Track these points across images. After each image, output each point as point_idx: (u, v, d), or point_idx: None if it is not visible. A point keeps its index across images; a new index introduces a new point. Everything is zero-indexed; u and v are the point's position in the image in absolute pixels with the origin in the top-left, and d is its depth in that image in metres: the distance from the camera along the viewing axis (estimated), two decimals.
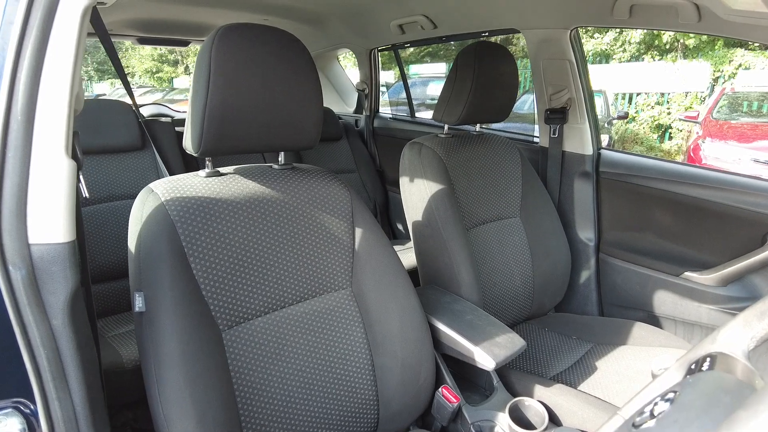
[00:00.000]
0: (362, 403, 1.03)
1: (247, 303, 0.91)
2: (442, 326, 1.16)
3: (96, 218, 1.69)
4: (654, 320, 1.61)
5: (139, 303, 0.79)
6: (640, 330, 1.46)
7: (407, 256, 1.86)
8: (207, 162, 0.96)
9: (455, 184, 1.44)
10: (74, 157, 0.67)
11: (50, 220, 0.63)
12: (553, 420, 1.15)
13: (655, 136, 8.69)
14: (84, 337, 0.68)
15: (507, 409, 1.07)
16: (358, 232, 1.07)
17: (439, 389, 1.12)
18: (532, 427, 1.05)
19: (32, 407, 0.66)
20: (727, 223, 1.42)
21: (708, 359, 0.57)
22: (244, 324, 0.91)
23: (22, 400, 0.66)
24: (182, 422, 0.74)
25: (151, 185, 0.90)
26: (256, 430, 0.88)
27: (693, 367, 0.58)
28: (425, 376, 1.08)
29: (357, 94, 3.07)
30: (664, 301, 1.56)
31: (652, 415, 0.46)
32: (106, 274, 1.62)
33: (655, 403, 0.48)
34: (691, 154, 5.38)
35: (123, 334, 1.35)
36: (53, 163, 0.63)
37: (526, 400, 1.09)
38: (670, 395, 0.48)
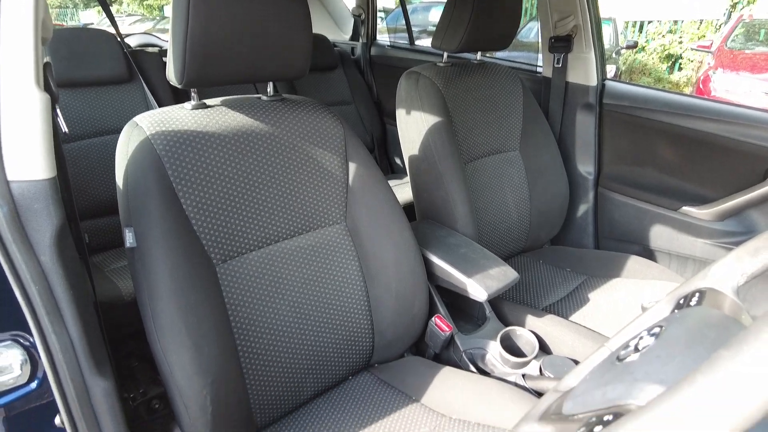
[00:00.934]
0: (357, 333, 1.06)
1: (240, 237, 0.91)
2: (436, 259, 1.17)
3: (87, 153, 1.66)
4: (649, 254, 1.62)
5: (129, 239, 0.78)
6: (635, 263, 1.47)
7: (404, 190, 1.85)
8: (192, 93, 0.92)
9: (453, 116, 1.40)
10: (48, 89, 0.64)
11: (27, 157, 0.61)
12: (544, 348, 1.19)
13: (665, 66, 8.38)
14: (74, 273, 0.68)
15: (498, 338, 1.10)
16: (352, 166, 1.05)
17: (433, 319, 1.15)
18: (523, 355, 1.09)
19: (31, 340, 0.68)
20: (730, 158, 1.39)
21: (697, 294, 0.57)
22: (238, 258, 0.91)
23: (21, 333, 0.67)
24: (178, 352, 0.76)
25: (136, 119, 0.87)
26: (254, 360, 0.90)
27: (681, 302, 0.58)
28: (419, 306, 1.11)
29: (353, 20, 2.91)
30: (660, 236, 1.57)
31: (636, 349, 0.47)
32: (101, 209, 1.62)
33: (641, 338, 0.48)
34: (700, 86, 5.21)
35: (121, 268, 1.37)
36: (24, 96, 0.60)
37: (518, 329, 1.13)
38: (656, 330, 0.48)
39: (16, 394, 0.69)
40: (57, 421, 0.71)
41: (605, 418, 0.40)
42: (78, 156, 1.63)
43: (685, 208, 1.48)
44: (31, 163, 0.61)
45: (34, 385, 0.70)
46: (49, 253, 0.63)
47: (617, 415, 0.38)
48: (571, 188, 1.68)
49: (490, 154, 1.50)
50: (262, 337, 0.92)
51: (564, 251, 1.64)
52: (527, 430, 0.52)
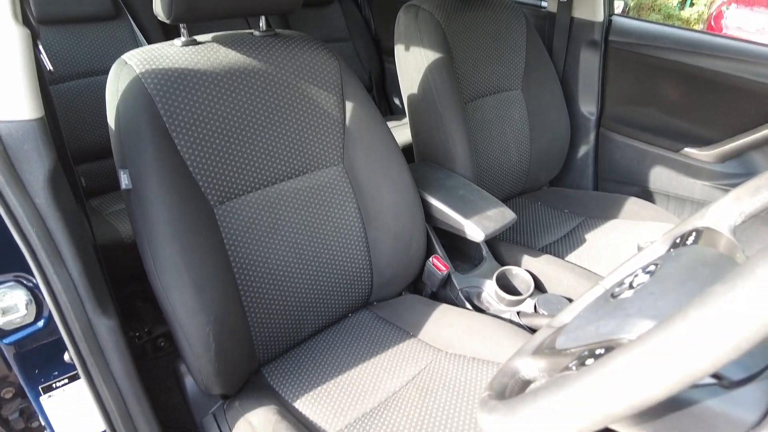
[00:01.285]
0: (356, 273, 1.07)
1: (237, 178, 0.90)
2: (434, 201, 1.17)
3: (76, 95, 1.61)
4: (647, 195, 1.62)
5: (124, 180, 0.78)
6: (632, 205, 1.47)
7: (403, 132, 1.81)
8: (182, 30, 0.88)
9: (454, 52, 1.35)
10: (27, 24, 0.60)
11: (12, 96, 0.59)
12: (539, 288, 1.21)
13: (675, 2, 8.02)
14: (71, 215, 0.68)
15: (494, 277, 1.12)
16: (349, 105, 1.03)
17: (430, 258, 1.17)
18: (518, 294, 1.11)
19: (34, 281, 0.69)
20: (736, 97, 1.36)
21: (694, 234, 0.57)
22: (236, 200, 0.91)
23: (23, 274, 0.68)
24: (180, 292, 0.77)
25: (124, 57, 0.84)
26: (254, 299, 0.92)
27: (678, 241, 0.58)
28: (416, 247, 1.12)
29: None
30: (659, 177, 1.56)
31: (630, 286, 0.47)
32: (96, 152, 1.60)
33: (636, 275, 0.49)
34: (712, 23, 5.00)
35: (119, 211, 1.37)
36: (1, 31, 0.57)
37: (513, 269, 1.14)
38: (651, 268, 0.48)
39: (24, 333, 0.71)
40: (66, 357, 0.73)
41: (597, 352, 0.41)
42: (67, 98, 1.59)
43: (687, 150, 1.47)
44: (17, 103, 0.59)
45: (41, 324, 0.72)
46: (44, 195, 0.63)
47: (609, 349, 0.39)
48: (573, 129, 1.66)
49: (491, 93, 1.46)
50: (262, 277, 0.93)
51: (562, 193, 1.64)
52: (520, 364, 0.54)
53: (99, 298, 0.71)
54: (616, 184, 1.69)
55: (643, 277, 0.47)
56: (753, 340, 0.26)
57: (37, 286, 0.68)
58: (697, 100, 1.45)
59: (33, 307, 0.70)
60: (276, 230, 0.95)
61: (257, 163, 0.93)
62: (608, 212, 1.45)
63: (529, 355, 0.54)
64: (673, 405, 0.38)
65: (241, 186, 0.91)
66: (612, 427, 0.44)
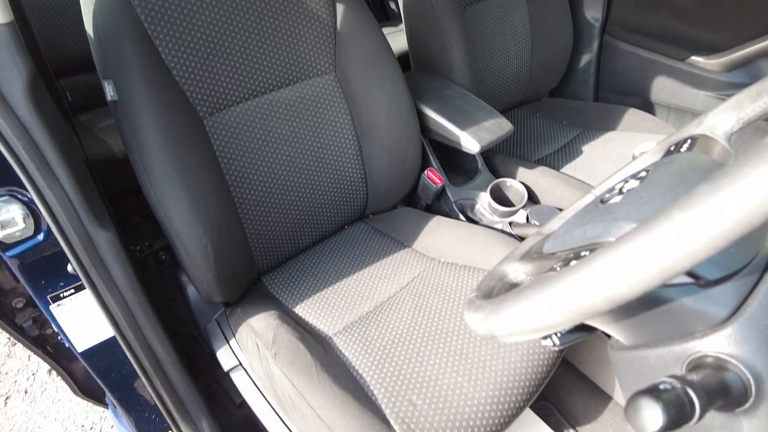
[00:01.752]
0: (351, 186, 1.08)
1: (225, 88, 0.87)
2: (430, 112, 1.14)
3: (52, 2, 1.51)
4: (648, 107, 1.58)
5: (110, 92, 0.75)
6: (632, 116, 1.45)
7: (399, 39, 1.73)
8: None
9: None
10: None
11: None
12: (533, 199, 1.22)
13: None
14: (57, 127, 0.66)
15: (489, 189, 1.13)
16: (340, 9, 0.97)
17: (425, 171, 1.17)
18: (512, 205, 1.13)
19: (28, 195, 0.69)
20: (748, 1, 1.28)
21: (689, 141, 0.57)
22: (226, 111, 0.89)
23: (16, 189, 0.68)
24: (175, 203, 0.78)
25: None
26: (250, 211, 0.93)
27: (672, 149, 0.58)
28: (412, 159, 1.11)
29: None
30: (662, 87, 1.52)
31: (620, 192, 0.48)
32: (80, 65, 1.52)
33: (626, 182, 0.49)
34: None
35: (110, 126, 1.34)
36: None
37: (508, 181, 1.15)
38: (642, 174, 0.48)
39: (25, 246, 0.72)
40: (69, 268, 0.75)
41: (582, 254, 0.43)
42: (41, 5, 1.49)
43: (693, 58, 1.41)
44: None
45: (41, 237, 0.73)
46: (25, 106, 0.61)
47: (593, 251, 0.40)
48: (575, 36, 1.58)
49: None
50: (256, 190, 0.93)
51: (562, 104, 1.60)
52: (508, 268, 0.55)
53: (95, 211, 0.71)
54: (617, 94, 1.64)
55: (633, 183, 0.47)
56: (730, 238, 0.27)
57: (32, 200, 0.69)
58: (708, 4, 1.37)
59: (31, 221, 0.71)
60: (268, 142, 0.94)
61: (246, 72, 0.90)
62: (607, 124, 1.43)
63: (517, 260, 0.56)
64: (650, 303, 0.40)
65: (230, 96, 0.89)
66: (591, 323, 0.46)
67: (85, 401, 1.44)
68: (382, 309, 0.93)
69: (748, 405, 0.37)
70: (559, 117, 1.50)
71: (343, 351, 0.85)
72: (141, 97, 0.75)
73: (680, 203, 0.28)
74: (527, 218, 1.10)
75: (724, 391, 0.36)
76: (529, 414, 1.11)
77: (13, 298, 0.87)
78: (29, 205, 0.70)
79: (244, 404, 0.98)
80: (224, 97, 0.88)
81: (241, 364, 0.91)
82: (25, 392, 1.49)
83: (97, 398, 1.10)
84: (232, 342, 0.93)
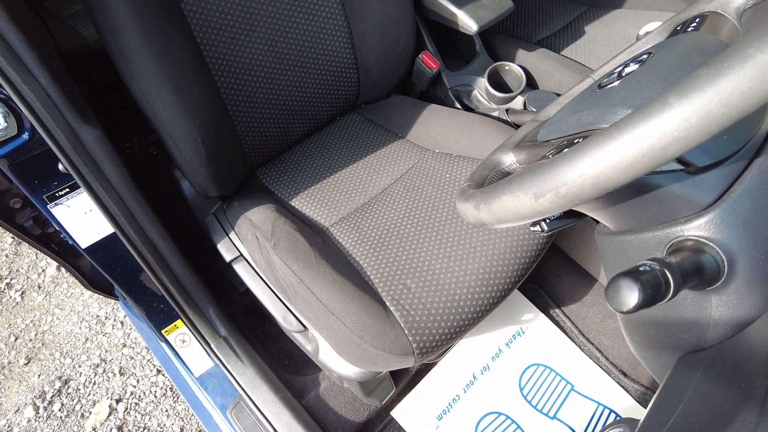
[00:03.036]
0: (342, 72, 1.03)
1: None
2: None
3: None
4: None
5: None
6: None
7: None
8: None
9: None
10: None
11: None
12: (531, 84, 1.18)
13: None
14: (22, 16, 0.61)
15: (486, 74, 1.08)
16: None
17: (420, 55, 1.11)
18: (509, 91, 1.09)
19: (5, 92, 0.65)
20: None
21: (697, 20, 0.53)
22: None
23: None
24: (160, 96, 0.74)
25: None
26: (238, 101, 0.90)
27: (679, 28, 0.55)
28: (405, 42, 1.05)
29: None
30: None
31: (619, 76, 0.46)
32: None
33: (626, 65, 0.47)
34: None
35: (80, 12, 1.24)
36: None
37: (506, 65, 1.10)
38: (644, 57, 0.46)
39: (12, 145, 0.70)
40: (60, 167, 0.75)
41: (576, 141, 0.42)
42: None
43: None
44: None
45: (25, 136, 0.71)
46: None
47: (587, 138, 0.39)
48: None
49: None
50: (243, 79, 0.89)
51: None
52: (501, 157, 0.55)
53: (77, 107, 0.69)
54: None
55: (633, 67, 0.45)
56: (725, 124, 0.26)
57: (9, 97, 0.66)
58: None
59: (13, 120, 0.68)
60: (251, 26, 0.88)
61: None
62: (614, 0, 1.33)
63: (510, 149, 0.55)
64: (639, 189, 0.40)
65: None
66: (580, 210, 0.47)
67: (97, 295, 1.52)
68: (378, 200, 0.94)
69: (718, 284, 0.39)
70: None
71: (340, 241, 0.88)
72: None
73: (676, 87, 0.27)
74: (524, 105, 1.08)
75: (698, 272, 0.37)
76: (517, 295, 1.18)
77: (9, 199, 0.87)
78: (8, 103, 0.67)
79: (247, 291, 1.03)
80: None
81: (242, 254, 0.94)
82: (39, 287, 1.56)
83: (107, 291, 1.16)
84: (232, 234, 0.95)
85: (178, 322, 1.01)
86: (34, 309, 1.50)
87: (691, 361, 0.42)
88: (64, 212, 0.80)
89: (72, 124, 0.69)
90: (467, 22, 1.01)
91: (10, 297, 1.52)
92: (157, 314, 0.99)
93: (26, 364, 1.39)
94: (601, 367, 1.08)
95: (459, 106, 1.15)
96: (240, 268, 0.93)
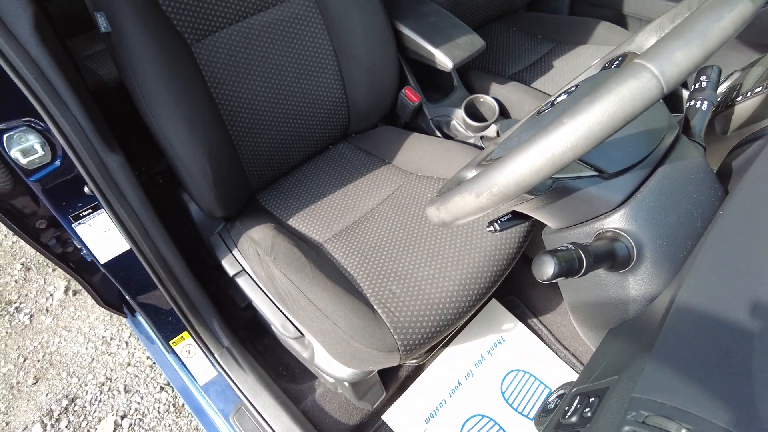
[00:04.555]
0: (334, 107, 1.15)
1: (207, 13, 0.92)
2: (405, 30, 1.19)
3: None
4: (620, 19, 1.62)
5: (102, 23, 0.80)
6: (603, 29, 1.49)
7: None
8: None
9: None
10: None
11: None
12: (504, 114, 1.31)
13: None
14: (62, 60, 0.73)
15: (463, 105, 1.21)
16: None
17: (403, 90, 1.24)
18: (484, 120, 1.22)
19: (42, 124, 0.76)
20: None
21: (620, 58, 0.65)
22: (210, 37, 0.94)
23: (31, 119, 0.75)
24: (174, 126, 0.85)
25: None
26: (241, 133, 1.01)
27: (606, 65, 0.67)
28: (389, 78, 1.18)
29: None
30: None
31: (552, 104, 0.57)
32: None
33: (560, 95, 0.58)
34: None
35: (96, 54, 1.36)
36: None
37: (481, 97, 1.23)
38: (572, 89, 0.58)
39: (45, 171, 0.81)
40: (86, 190, 0.85)
41: None
42: None
43: None
44: None
45: (57, 162, 0.81)
46: (34, 44, 0.67)
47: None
48: None
49: None
50: (245, 113, 1.01)
51: (538, 17, 1.63)
52: (466, 174, 0.66)
53: (104, 136, 0.79)
54: (592, 6, 1.67)
55: (563, 97, 0.57)
56: (600, 139, 0.37)
57: (46, 129, 0.77)
58: None
59: (48, 149, 0.79)
60: (253, 66, 1.00)
61: None
62: (579, 37, 1.48)
63: (474, 166, 0.66)
64: (566, 192, 0.51)
65: (213, 22, 0.93)
66: (523, 212, 0.58)
67: (103, 316, 1.60)
68: (366, 218, 1.04)
69: (630, 266, 0.49)
70: (534, 31, 1.54)
71: (333, 254, 0.98)
72: (132, 27, 0.80)
73: (569, 111, 0.38)
74: (497, 132, 1.20)
75: (611, 255, 0.48)
76: (497, 306, 1.28)
77: (35, 221, 0.97)
78: (45, 134, 0.78)
79: (248, 307, 1.12)
80: (207, 23, 0.92)
81: (244, 269, 1.04)
82: (47, 310, 1.63)
83: (116, 308, 1.24)
84: (235, 251, 1.05)
85: (185, 334, 1.09)
86: (42, 331, 1.57)
87: (615, 330, 0.52)
88: (87, 231, 0.89)
89: (99, 152, 0.79)
90: (443, 60, 1.14)
91: (19, 320, 1.60)
92: (166, 326, 1.07)
93: (34, 383, 1.46)
94: (575, 371, 1.17)
95: (439, 135, 1.27)
96: (242, 282, 1.03)
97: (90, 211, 0.89)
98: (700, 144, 0.58)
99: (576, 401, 0.44)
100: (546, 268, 0.42)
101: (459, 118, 1.24)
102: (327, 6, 1.05)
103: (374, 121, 1.26)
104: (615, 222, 0.50)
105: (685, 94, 1.23)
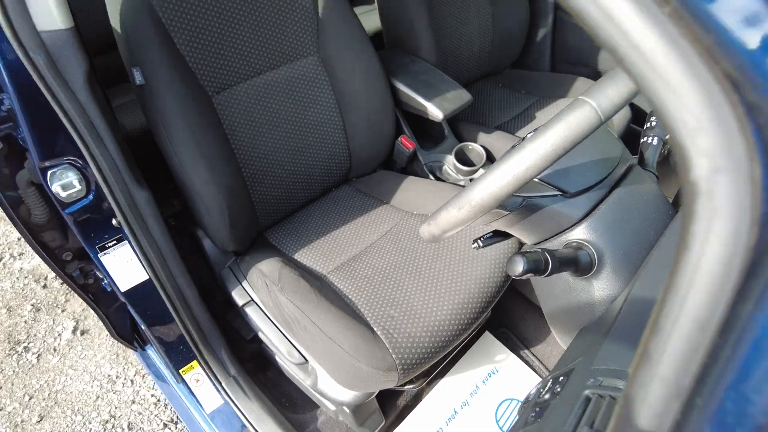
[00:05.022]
0: (337, 154, 1.27)
1: (227, 70, 1.05)
2: (401, 86, 1.33)
3: None
4: (597, 75, 1.78)
5: (138, 77, 0.93)
6: (582, 84, 1.65)
7: (371, 18, 1.89)
8: None
9: None
10: None
11: (46, 8, 0.72)
12: (491, 159, 1.43)
13: None
14: (105, 108, 0.84)
15: (453, 152, 1.33)
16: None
17: (399, 138, 1.36)
18: (473, 165, 1.33)
19: (81, 162, 0.87)
20: None
21: None
22: (229, 90, 1.07)
23: (73, 158, 0.86)
24: (195, 166, 0.96)
25: None
26: (253, 175, 1.12)
27: None
28: (387, 128, 1.30)
29: None
30: (607, 58, 1.72)
31: (522, 140, 0.68)
32: (91, 50, 1.67)
33: (529, 133, 0.69)
34: None
35: (122, 106, 1.50)
36: None
37: (470, 145, 1.35)
38: (529, 135, 0.69)
39: (80, 204, 0.90)
40: (114, 222, 0.94)
41: None
42: None
43: None
44: (53, 14, 0.72)
45: (90, 197, 0.91)
46: (84, 92, 0.79)
47: None
48: (532, 13, 1.76)
49: None
50: (257, 157, 1.12)
51: (521, 74, 1.80)
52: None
53: (135, 174, 0.90)
54: (571, 65, 1.84)
55: (531, 134, 0.67)
56: (548, 163, 0.47)
57: (84, 167, 0.87)
58: None
59: (84, 184, 0.89)
60: (266, 117, 1.12)
61: (242, 55, 1.07)
62: (559, 92, 1.63)
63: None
64: (536, 209, 0.61)
65: (231, 77, 1.06)
66: (503, 229, 0.67)
67: (110, 355, 1.64)
68: (366, 252, 1.13)
69: (593, 271, 0.58)
70: (518, 87, 1.69)
71: (336, 284, 1.06)
72: (163, 80, 0.93)
73: (529, 138, 0.49)
74: None
75: (574, 261, 0.57)
76: (490, 338, 1.34)
77: (62, 253, 1.06)
78: (82, 171, 0.88)
79: (253, 339, 1.19)
80: (226, 77, 1.05)
81: (252, 299, 1.11)
82: (54, 350, 1.68)
83: (128, 341, 1.30)
84: (244, 283, 1.13)
85: (194, 363, 1.15)
86: (48, 370, 1.61)
87: (585, 329, 0.61)
88: (111, 260, 0.98)
89: (130, 188, 0.89)
90: (434, 112, 1.27)
91: (27, 359, 1.64)
92: (177, 354, 1.13)
93: (39, 421, 1.48)
94: None
95: (432, 178, 1.38)
96: (251, 311, 1.10)
97: (115, 242, 0.98)
98: (653, 173, 0.69)
99: (549, 383, 0.52)
100: (517, 266, 0.51)
101: (450, 164, 1.35)
102: (332, 66, 1.19)
103: (373, 166, 1.38)
104: (578, 234, 0.59)
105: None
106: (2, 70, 0.73)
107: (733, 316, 0.23)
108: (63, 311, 1.79)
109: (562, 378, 0.50)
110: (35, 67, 0.72)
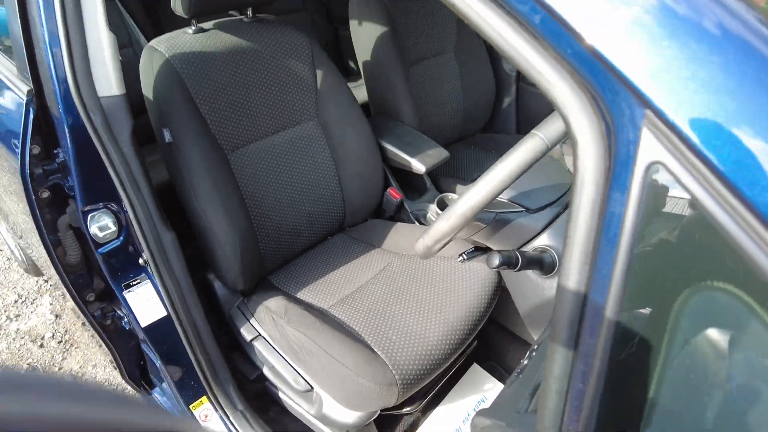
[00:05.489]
0: (333, 204, 1.43)
1: (241, 132, 1.22)
2: (388, 145, 1.52)
3: None
4: None
5: (167, 136, 1.09)
6: None
7: (360, 91, 2.13)
8: (193, 22, 1.17)
9: (396, 24, 1.67)
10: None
11: (106, 78, 0.89)
12: None
13: None
14: (143, 160, 0.99)
15: (435, 202, 1.50)
16: (319, 72, 1.35)
17: (387, 190, 1.53)
18: None
19: (116, 207, 1.00)
20: None
21: None
22: (241, 149, 1.23)
23: (110, 203, 0.99)
24: (215, 213, 1.10)
25: (152, 43, 1.13)
26: (261, 223, 1.26)
27: None
28: (377, 182, 1.48)
29: None
30: None
31: None
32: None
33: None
34: None
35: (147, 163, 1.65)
36: (100, 35, 0.86)
37: (450, 195, 1.52)
38: None
39: (111, 245, 1.03)
40: (141, 261, 1.06)
41: None
42: None
43: None
44: (110, 83, 0.89)
45: (121, 238, 1.04)
46: (128, 147, 0.94)
47: None
48: (497, 84, 2.03)
49: (429, 57, 1.80)
50: (264, 207, 1.27)
51: (491, 137, 2.03)
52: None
53: (162, 217, 1.03)
54: (533, 127, 2.08)
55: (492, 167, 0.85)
56: (511, 181, 0.63)
57: (118, 210, 1.00)
58: None
59: (117, 227, 1.02)
60: (272, 172, 1.28)
61: (254, 120, 1.25)
62: None
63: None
64: (504, 223, 0.76)
65: (244, 138, 1.23)
66: (477, 240, 0.82)
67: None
68: (363, 288, 1.26)
69: (556, 270, 0.73)
70: (489, 147, 1.91)
71: (337, 316, 1.18)
72: (189, 140, 1.09)
73: (494, 165, 0.65)
74: None
75: (539, 261, 0.72)
76: (479, 370, 1.45)
77: (87, 293, 1.16)
78: (116, 215, 1.01)
79: (257, 379, 1.27)
80: (240, 138, 1.22)
81: (260, 334, 1.21)
82: None
83: (136, 383, 1.36)
84: (252, 320, 1.23)
85: (203, 399, 1.22)
86: None
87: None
88: (134, 298, 1.09)
89: (158, 229, 1.02)
90: (418, 166, 1.45)
91: None
92: (187, 390, 1.20)
93: None
94: None
95: (418, 224, 1.54)
96: (258, 345, 1.20)
97: (139, 281, 1.09)
98: None
99: (527, 354, 0.65)
100: (493, 260, 0.66)
101: (432, 211, 1.52)
102: (330, 130, 1.38)
103: (365, 216, 1.53)
104: (542, 240, 0.75)
105: None
106: (66, 130, 0.88)
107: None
108: (60, 369, 1.82)
109: (535, 348, 0.63)
110: (93, 126, 0.88)
